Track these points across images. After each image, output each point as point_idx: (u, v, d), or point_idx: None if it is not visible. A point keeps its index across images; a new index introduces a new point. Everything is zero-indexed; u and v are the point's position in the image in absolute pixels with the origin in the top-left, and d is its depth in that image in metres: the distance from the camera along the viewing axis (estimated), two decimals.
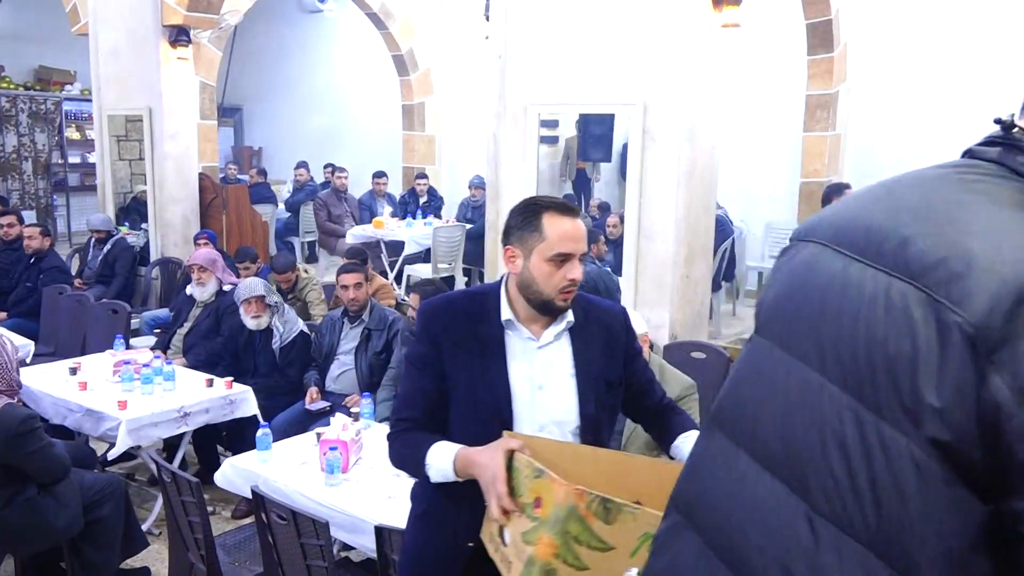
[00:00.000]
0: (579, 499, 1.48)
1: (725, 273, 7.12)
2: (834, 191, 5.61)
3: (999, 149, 0.86)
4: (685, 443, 1.96)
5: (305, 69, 12.38)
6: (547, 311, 1.92)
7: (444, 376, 1.93)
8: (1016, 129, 0.84)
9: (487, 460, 1.71)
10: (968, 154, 0.89)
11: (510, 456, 1.69)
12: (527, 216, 1.92)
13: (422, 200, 9.30)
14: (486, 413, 1.90)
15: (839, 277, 0.82)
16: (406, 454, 1.95)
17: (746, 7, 7.68)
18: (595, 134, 5.93)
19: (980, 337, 0.70)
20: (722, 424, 0.94)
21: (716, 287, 6.73)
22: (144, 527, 3.78)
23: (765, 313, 0.93)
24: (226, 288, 5.06)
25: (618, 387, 2.02)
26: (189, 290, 5.14)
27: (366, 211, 8.92)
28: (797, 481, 0.81)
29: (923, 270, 0.75)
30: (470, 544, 1.85)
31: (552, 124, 5.56)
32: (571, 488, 1.49)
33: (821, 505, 0.78)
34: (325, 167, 10.12)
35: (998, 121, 0.86)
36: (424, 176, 9.56)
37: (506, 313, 1.95)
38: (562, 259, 1.86)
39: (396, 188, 10.18)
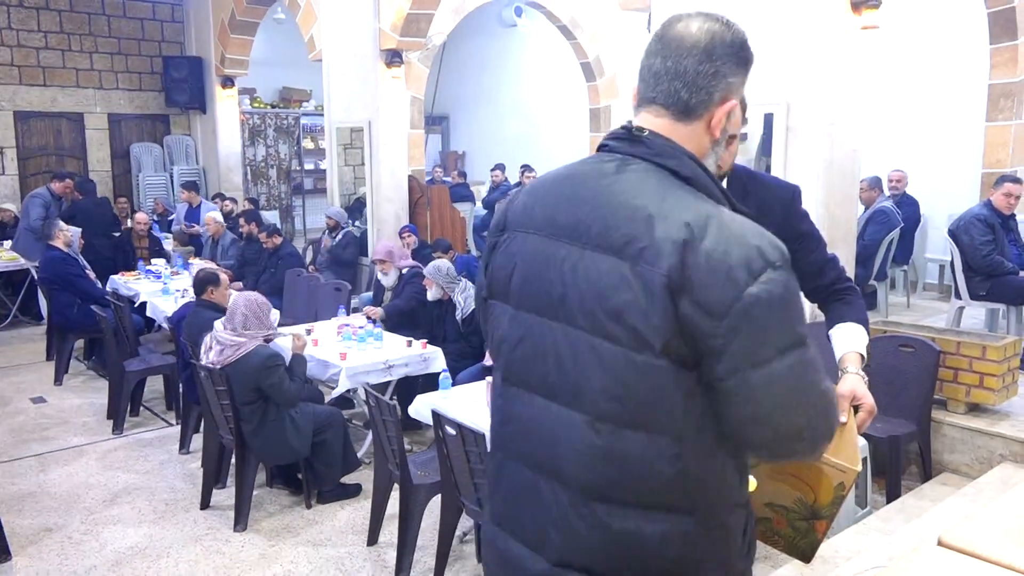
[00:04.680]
0: None
1: (895, 263, 7.24)
2: (996, 182, 5.70)
3: (626, 143, 1.38)
4: (835, 334, 2.05)
5: (503, 79, 13.48)
6: None
7: None
8: (635, 129, 1.38)
9: None
10: (602, 148, 1.41)
11: None
12: None
13: None
14: None
15: (567, 258, 1.33)
16: None
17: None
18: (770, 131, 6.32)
19: (672, 281, 1.22)
20: (515, 379, 1.41)
21: (881, 277, 6.90)
22: (359, 454, 4.80)
23: (515, 289, 1.40)
24: (404, 271, 6.10)
25: None
26: (379, 277, 6.30)
27: None
28: (575, 399, 1.31)
29: (622, 247, 1.27)
30: None
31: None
32: None
33: (595, 409, 1.29)
34: (521, 167, 11.09)
35: (624, 127, 1.39)
36: None
37: None
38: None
39: None
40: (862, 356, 1.98)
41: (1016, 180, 5.59)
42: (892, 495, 4.09)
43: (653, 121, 1.39)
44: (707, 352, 1.23)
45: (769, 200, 2.11)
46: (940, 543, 1.50)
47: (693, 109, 1.38)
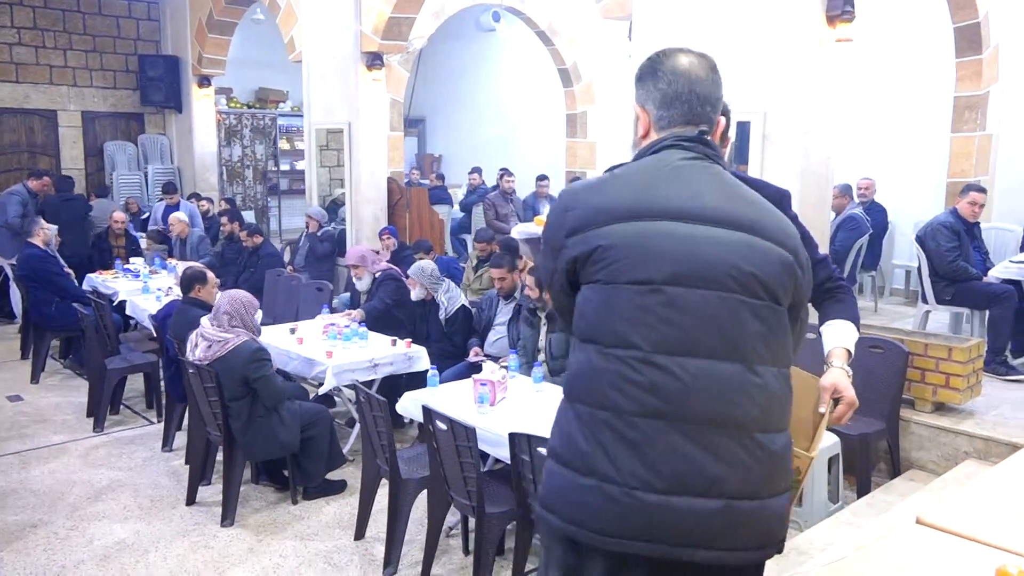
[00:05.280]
0: None
1: (863, 268, 7.45)
2: (962, 191, 5.91)
3: (701, 146, 1.71)
4: (825, 330, 2.21)
5: (480, 83, 13.59)
6: None
7: None
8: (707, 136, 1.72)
9: None
10: (672, 147, 1.70)
11: None
12: None
13: None
14: None
15: (708, 237, 1.61)
16: None
17: (892, 13, 7.95)
18: (744, 139, 6.50)
19: (792, 252, 1.66)
20: (668, 349, 1.59)
21: (851, 282, 7.10)
22: (344, 451, 4.86)
23: (656, 268, 1.60)
24: (376, 274, 6.17)
25: None
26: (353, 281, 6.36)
27: (530, 211, 9.87)
28: (734, 352, 1.59)
29: (752, 227, 1.63)
30: None
31: None
32: None
33: (751, 356, 1.61)
34: (500, 171, 11.14)
35: (702, 132, 1.72)
36: (578, 179, 10.37)
37: None
38: None
39: (559, 191, 11.06)
40: (849, 352, 2.10)
41: (981, 189, 5.81)
42: (862, 490, 4.25)
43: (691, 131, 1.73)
44: (801, 297, 1.70)
45: None
46: (919, 522, 1.62)
47: (713, 125, 1.76)
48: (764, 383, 1.60)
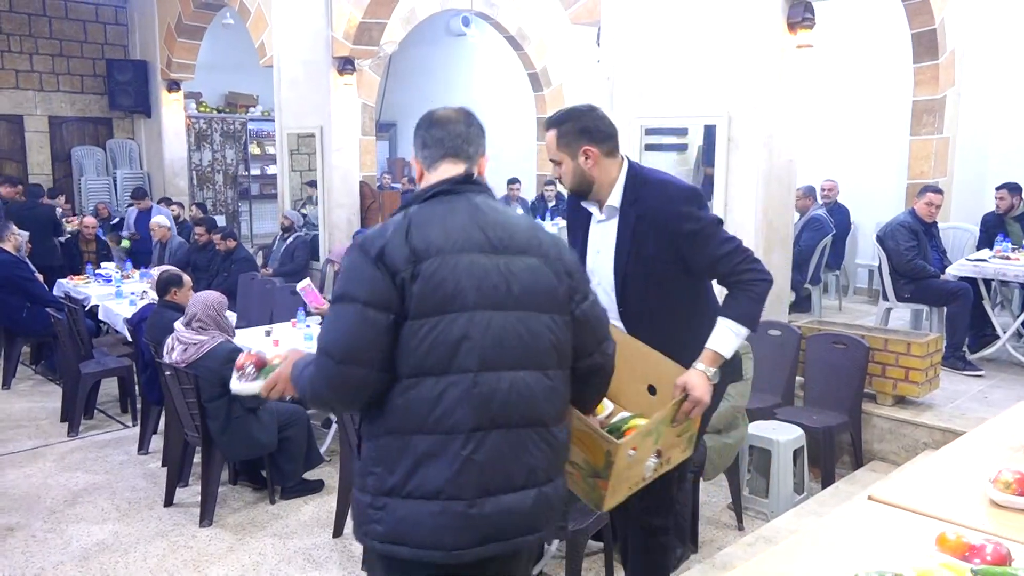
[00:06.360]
0: None
1: (828, 268, 7.65)
2: (919, 192, 6.12)
3: (474, 185, 1.90)
4: (715, 327, 2.43)
5: (450, 87, 13.66)
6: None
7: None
8: (474, 176, 1.91)
9: None
10: (453, 192, 1.88)
11: None
12: None
13: (550, 204, 10.28)
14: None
15: (501, 264, 1.80)
16: None
17: (853, 20, 8.17)
18: (711, 142, 6.65)
19: (562, 264, 1.89)
20: (489, 365, 1.76)
21: (815, 281, 7.29)
22: (321, 451, 4.91)
23: (468, 296, 1.76)
24: None
25: (659, 259, 2.48)
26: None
27: None
28: (532, 361, 1.81)
29: (531, 248, 1.84)
30: None
31: (682, 132, 6.21)
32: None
33: (545, 362, 1.83)
34: None
35: (467, 174, 1.91)
36: (552, 183, 10.52)
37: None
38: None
39: (531, 194, 11.20)
40: (718, 355, 2.38)
41: (937, 190, 6.01)
42: (827, 482, 4.40)
43: (457, 167, 1.92)
44: (574, 300, 1.89)
45: (655, 203, 2.47)
46: (870, 498, 1.74)
47: (474, 161, 1.95)
48: (554, 385, 1.85)
